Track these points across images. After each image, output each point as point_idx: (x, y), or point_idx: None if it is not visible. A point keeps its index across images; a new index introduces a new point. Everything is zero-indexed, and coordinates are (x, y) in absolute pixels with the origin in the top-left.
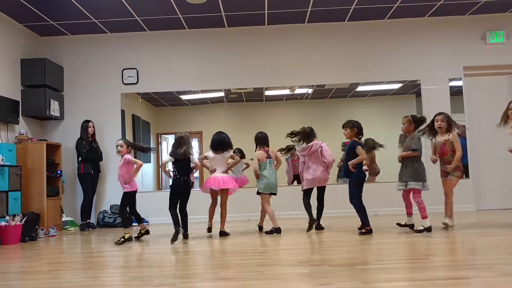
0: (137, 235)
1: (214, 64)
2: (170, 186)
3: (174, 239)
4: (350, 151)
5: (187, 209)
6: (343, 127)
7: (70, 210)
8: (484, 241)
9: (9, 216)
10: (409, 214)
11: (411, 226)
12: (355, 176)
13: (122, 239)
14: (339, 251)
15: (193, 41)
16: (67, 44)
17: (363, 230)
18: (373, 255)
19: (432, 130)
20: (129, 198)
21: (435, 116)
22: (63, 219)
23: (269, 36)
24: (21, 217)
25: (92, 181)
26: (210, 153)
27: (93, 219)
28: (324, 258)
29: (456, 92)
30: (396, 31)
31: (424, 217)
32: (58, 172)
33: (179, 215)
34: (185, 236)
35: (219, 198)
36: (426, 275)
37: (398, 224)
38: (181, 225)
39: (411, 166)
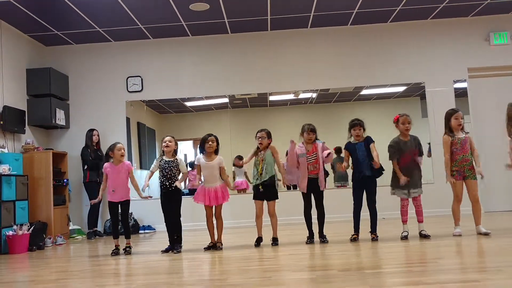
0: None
1: (218, 70)
2: (160, 199)
3: (164, 251)
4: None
5: (181, 218)
6: (359, 126)
7: (77, 218)
8: (493, 244)
9: (17, 225)
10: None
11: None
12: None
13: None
14: (346, 256)
15: (196, 48)
16: (71, 53)
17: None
18: (381, 259)
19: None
20: None
21: (455, 113)
22: (70, 228)
23: (272, 42)
24: (28, 226)
25: (98, 189)
26: (202, 159)
27: (100, 227)
28: (331, 263)
29: (460, 94)
30: (399, 34)
31: (422, 221)
32: (65, 180)
33: (173, 226)
34: (177, 251)
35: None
36: (435, 278)
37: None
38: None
39: (419, 175)
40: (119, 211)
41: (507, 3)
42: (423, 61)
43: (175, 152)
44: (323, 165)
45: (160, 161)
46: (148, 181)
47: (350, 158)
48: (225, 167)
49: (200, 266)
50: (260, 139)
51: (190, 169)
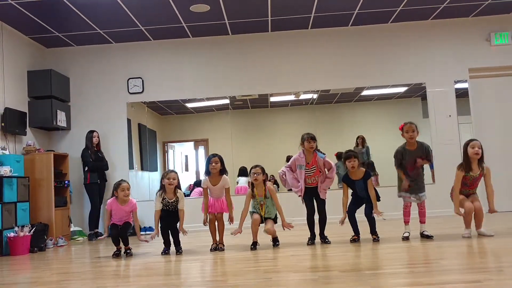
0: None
1: (219, 71)
2: (161, 214)
3: (165, 253)
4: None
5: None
6: (354, 157)
7: (78, 220)
8: (494, 244)
9: (18, 227)
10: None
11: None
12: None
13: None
14: (347, 257)
15: (197, 49)
16: (72, 55)
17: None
18: (383, 260)
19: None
20: None
21: (471, 142)
22: (71, 229)
23: (273, 43)
24: (29, 227)
25: (99, 190)
26: (208, 183)
27: (101, 229)
28: (332, 264)
29: (461, 94)
30: (400, 35)
31: (425, 222)
32: (66, 182)
33: (170, 233)
34: (178, 252)
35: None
36: (436, 279)
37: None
38: (172, 244)
39: (423, 178)
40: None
41: (508, 3)
42: (424, 61)
43: (177, 187)
44: (323, 177)
45: (163, 199)
46: (158, 226)
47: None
48: (229, 183)
49: (201, 267)
50: (255, 175)
51: (196, 187)
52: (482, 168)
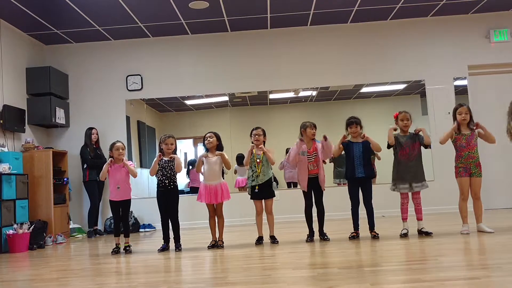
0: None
1: (218, 68)
2: (157, 197)
3: (160, 250)
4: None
5: (178, 218)
6: (355, 124)
7: (77, 217)
8: (493, 241)
9: (17, 224)
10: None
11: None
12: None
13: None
14: (346, 254)
15: (196, 46)
16: (71, 52)
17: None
18: (381, 257)
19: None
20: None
21: (458, 109)
22: (71, 226)
23: (272, 40)
24: (28, 225)
25: (98, 188)
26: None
27: (100, 226)
28: (331, 261)
29: (461, 91)
30: (399, 32)
31: (422, 218)
32: (65, 179)
33: (170, 226)
34: (178, 249)
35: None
36: (435, 276)
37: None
38: (172, 239)
39: (416, 166)
40: (120, 209)
41: (507, 0)
42: (423, 58)
43: (174, 152)
44: (321, 163)
45: (160, 160)
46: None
47: (344, 153)
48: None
49: (200, 264)
50: (256, 136)
51: (191, 167)
52: (471, 129)
